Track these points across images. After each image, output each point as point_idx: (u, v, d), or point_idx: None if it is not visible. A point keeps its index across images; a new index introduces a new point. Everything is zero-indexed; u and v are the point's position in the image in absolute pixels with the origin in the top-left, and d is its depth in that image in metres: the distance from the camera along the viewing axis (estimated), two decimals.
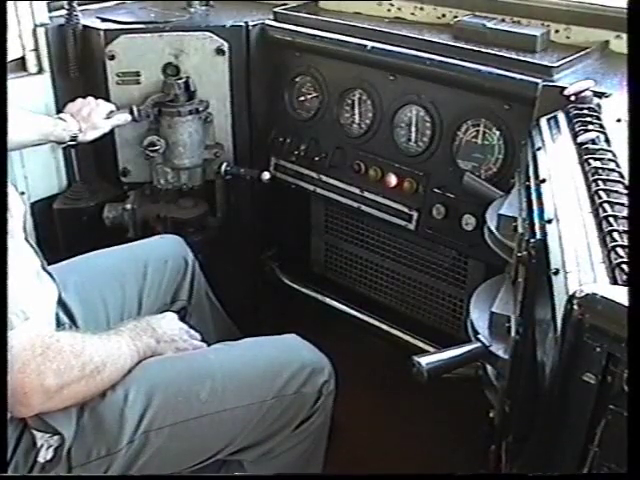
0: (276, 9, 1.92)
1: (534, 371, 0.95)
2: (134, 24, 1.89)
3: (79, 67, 1.90)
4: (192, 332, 1.41)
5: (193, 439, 1.26)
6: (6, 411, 1.05)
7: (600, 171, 1.00)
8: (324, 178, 1.93)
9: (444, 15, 1.83)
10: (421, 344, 1.92)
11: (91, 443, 1.17)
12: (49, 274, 1.31)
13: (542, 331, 0.92)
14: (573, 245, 0.86)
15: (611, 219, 0.87)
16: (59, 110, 1.82)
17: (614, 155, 1.05)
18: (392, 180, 1.79)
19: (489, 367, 1.26)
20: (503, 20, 1.71)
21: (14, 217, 1.08)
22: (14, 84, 1.76)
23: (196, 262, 1.66)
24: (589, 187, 0.98)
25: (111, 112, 1.80)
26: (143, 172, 1.99)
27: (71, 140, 1.71)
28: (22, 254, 1.13)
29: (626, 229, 0.84)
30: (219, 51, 1.86)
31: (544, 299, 0.89)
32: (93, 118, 1.74)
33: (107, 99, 1.85)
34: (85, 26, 1.88)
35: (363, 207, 1.88)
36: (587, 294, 0.72)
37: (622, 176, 0.98)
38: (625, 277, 0.76)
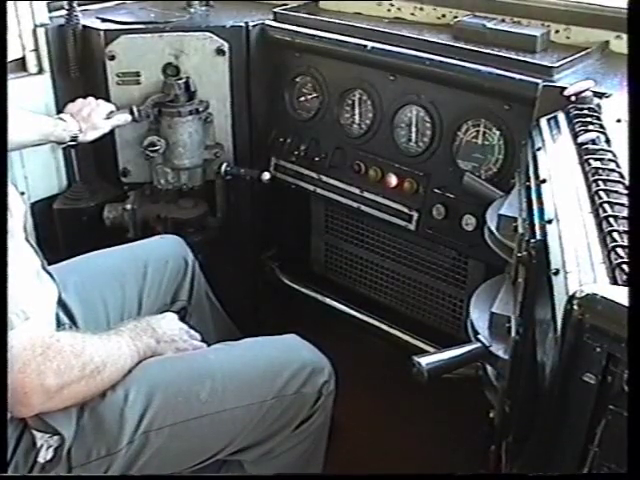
0: (276, 9, 1.92)
1: (534, 371, 0.95)
2: (134, 24, 1.89)
3: (79, 67, 1.90)
4: (192, 332, 1.41)
5: (193, 439, 1.26)
6: (6, 411, 1.05)
7: (600, 171, 1.00)
8: (324, 178, 1.93)
9: (444, 15, 1.83)
10: (421, 344, 1.92)
11: (91, 443, 1.17)
12: (49, 274, 1.31)
13: (542, 331, 0.92)
14: (573, 245, 0.86)
15: (611, 219, 0.87)
16: (59, 110, 1.82)
17: (614, 155, 1.05)
18: (392, 180, 1.79)
19: (489, 367, 1.26)
20: (503, 20, 1.71)
21: (14, 217, 1.08)
22: (14, 84, 1.76)
23: (196, 262, 1.66)
24: (589, 187, 0.98)
25: (111, 112, 1.80)
26: (143, 172, 1.99)
27: (71, 140, 1.71)
28: (22, 254, 1.13)
29: (626, 229, 0.84)
30: (219, 51, 1.86)
31: (544, 299, 0.89)
32: (93, 118, 1.74)
33: (107, 99, 1.85)
34: (85, 26, 1.88)
35: (363, 207, 1.88)
36: (587, 294, 0.72)
37: (622, 176, 0.98)
38: (625, 277, 0.76)
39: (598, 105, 1.27)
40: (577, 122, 1.20)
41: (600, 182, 0.97)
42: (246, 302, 2.21)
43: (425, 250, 1.98)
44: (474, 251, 1.69)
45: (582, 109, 1.25)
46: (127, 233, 1.95)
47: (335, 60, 1.82)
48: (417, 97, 1.70)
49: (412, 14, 1.88)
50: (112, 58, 1.84)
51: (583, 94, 1.30)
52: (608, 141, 1.11)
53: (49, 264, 1.34)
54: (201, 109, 1.90)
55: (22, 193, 1.91)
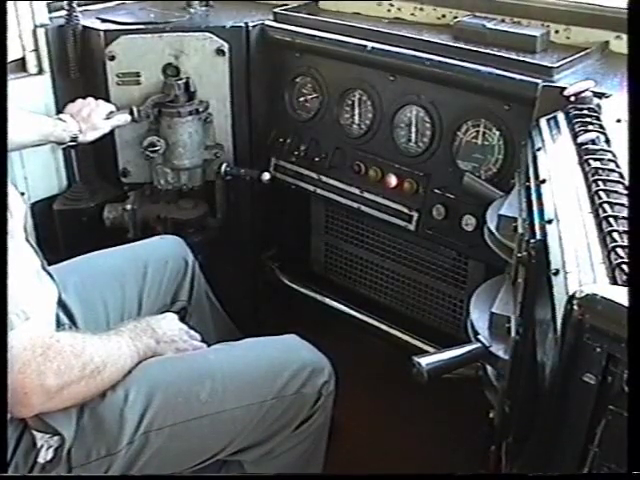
0: (276, 9, 1.92)
1: (534, 371, 0.95)
2: (134, 25, 1.89)
3: (79, 68, 1.90)
4: (192, 332, 1.41)
5: (193, 439, 1.26)
6: (6, 411, 1.05)
7: (600, 171, 1.00)
8: (324, 179, 1.93)
9: (444, 15, 1.83)
10: (421, 344, 1.91)
11: (91, 443, 1.17)
12: (49, 274, 1.31)
13: (542, 331, 0.92)
14: (573, 245, 0.86)
15: (611, 219, 0.87)
16: (59, 111, 1.82)
17: (614, 155, 1.05)
18: (392, 180, 1.79)
19: (489, 367, 1.26)
20: (503, 20, 1.71)
21: (14, 217, 1.08)
22: (14, 85, 1.76)
23: (196, 262, 1.66)
24: (589, 187, 0.98)
25: (111, 113, 1.80)
26: (143, 173, 1.99)
27: (71, 141, 1.71)
28: (22, 254, 1.13)
29: (626, 229, 0.84)
30: (219, 52, 1.86)
31: (544, 299, 0.89)
32: (93, 119, 1.74)
33: (107, 100, 1.85)
34: (85, 27, 1.88)
35: (363, 207, 1.88)
36: (587, 294, 0.72)
37: (622, 176, 0.98)
38: (625, 277, 0.76)
39: (598, 105, 1.27)
40: (577, 122, 1.20)
41: (600, 182, 0.97)
42: (246, 302, 2.21)
43: (425, 250, 1.98)
44: (474, 251, 1.69)
45: (582, 109, 1.25)
46: (127, 233, 1.95)
47: (335, 60, 1.82)
48: (417, 97, 1.70)
49: (412, 14, 1.88)
50: (112, 58, 1.84)
51: (583, 94, 1.30)
52: (608, 141, 1.11)
53: (49, 264, 1.34)
54: (201, 109, 1.90)
55: (22, 193, 1.91)
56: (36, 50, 1.88)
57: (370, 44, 1.71)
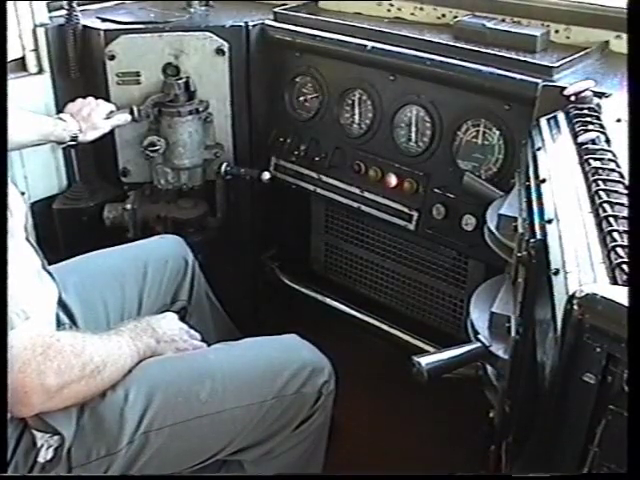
0: (276, 9, 1.92)
1: (534, 371, 0.95)
2: (134, 24, 1.89)
3: (79, 67, 1.90)
4: (192, 332, 1.41)
5: (193, 439, 1.26)
6: (6, 411, 1.05)
7: (600, 171, 1.00)
8: (324, 178, 1.93)
9: (444, 15, 1.83)
10: (421, 344, 1.92)
11: (91, 443, 1.17)
12: (49, 274, 1.31)
13: (542, 331, 0.92)
14: (573, 245, 0.86)
15: (611, 219, 0.87)
16: (59, 110, 1.82)
17: (614, 155, 1.05)
18: (392, 180, 1.79)
19: (489, 367, 1.26)
20: (503, 20, 1.71)
21: (15, 216, 1.08)
22: (14, 84, 1.76)
23: (196, 262, 1.66)
24: (589, 187, 0.98)
25: (111, 112, 1.80)
26: (143, 172, 1.99)
27: (71, 140, 1.71)
28: (22, 253, 1.13)
29: (626, 229, 0.84)
30: (219, 51, 1.86)
31: (544, 299, 0.89)
32: (93, 118, 1.74)
33: (107, 99, 1.85)
34: (85, 26, 1.88)
35: (363, 207, 1.88)
36: (587, 294, 0.72)
37: (622, 176, 0.98)
38: (625, 277, 0.76)
39: (598, 105, 1.27)
40: (577, 122, 1.20)
41: (600, 182, 0.97)
42: (246, 302, 2.21)
43: (425, 250, 1.98)
44: (474, 251, 1.69)
45: (582, 109, 1.25)
46: (127, 233, 1.95)
47: (335, 60, 1.82)
48: (417, 97, 1.70)
49: (412, 14, 1.88)
50: (112, 58, 1.84)
51: (583, 94, 1.30)
52: (608, 141, 1.11)
53: (49, 264, 1.34)
54: (201, 109, 1.90)
55: (22, 193, 1.91)
56: (36, 50, 1.88)
57: (370, 44, 1.71)
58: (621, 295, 0.70)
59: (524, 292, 1.02)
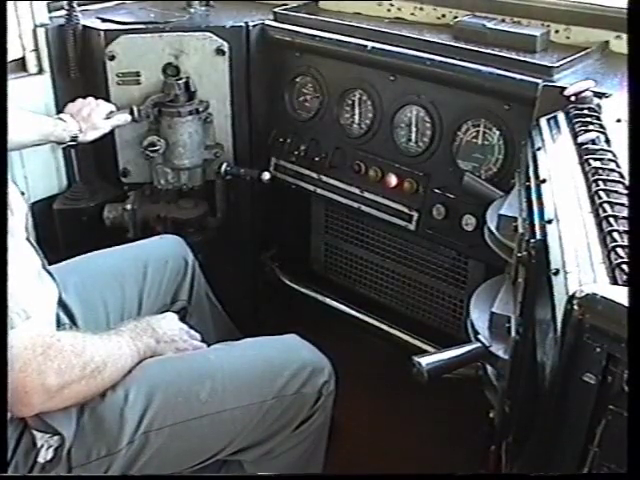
0: (276, 9, 1.92)
1: (534, 371, 0.95)
2: (134, 24, 1.89)
3: (79, 67, 1.90)
4: (192, 332, 1.41)
5: (193, 439, 1.26)
6: (6, 411, 1.05)
7: (600, 171, 1.00)
8: (324, 178, 1.93)
9: (444, 15, 1.83)
10: (421, 344, 1.92)
11: (91, 443, 1.17)
12: (50, 274, 1.31)
13: (542, 331, 0.92)
14: (573, 245, 0.86)
15: (611, 219, 0.87)
16: (59, 110, 1.82)
17: (614, 155, 1.05)
18: (392, 180, 1.79)
19: (489, 367, 1.26)
20: (503, 20, 1.71)
21: (15, 216, 1.08)
22: (14, 84, 1.76)
23: (196, 262, 1.66)
24: (589, 187, 0.98)
25: (111, 112, 1.80)
26: (143, 172, 1.99)
27: (71, 140, 1.71)
28: (23, 253, 1.13)
29: (626, 229, 0.84)
30: (219, 51, 1.86)
31: (544, 299, 0.89)
32: (93, 118, 1.74)
33: (107, 99, 1.85)
34: (85, 26, 1.88)
35: (363, 207, 1.88)
36: (587, 294, 0.72)
37: (622, 176, 0.98)
38: (625, 277, 0.76)
39: (598, 105, 1.27)
40: (577, 122, 1.20)
41: (600, 182, 0.97)
42: (246, 302, 2.21)
43: (425, 250, 1.98)
44: (474, 251, 1.69)
45: (582, 109, 1.25)
46: (127, 233, 1.95)
47: (335, 60, 1.82)
48: (417, 97, 1.70)
49: (412, 14, 1.88)
50: (112, 58, 1.84)
51: (583, 94, 1.30)
52: (608, 141, 1.11)
53: (49, 264, 1.34)
54: (201, 109, 1.90)
55: (22, 193, 1.90)
56: (36, 50, 1.88)
57: (370, 44, 1.71)
58: (621, 295, 0.70)
59: (524, 292, 1.02)
